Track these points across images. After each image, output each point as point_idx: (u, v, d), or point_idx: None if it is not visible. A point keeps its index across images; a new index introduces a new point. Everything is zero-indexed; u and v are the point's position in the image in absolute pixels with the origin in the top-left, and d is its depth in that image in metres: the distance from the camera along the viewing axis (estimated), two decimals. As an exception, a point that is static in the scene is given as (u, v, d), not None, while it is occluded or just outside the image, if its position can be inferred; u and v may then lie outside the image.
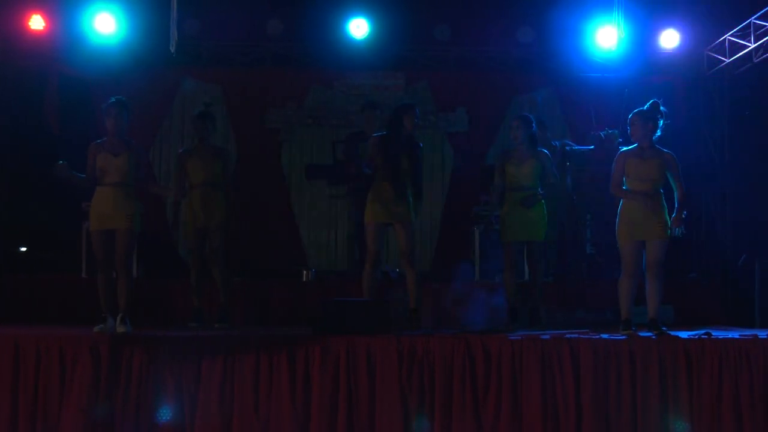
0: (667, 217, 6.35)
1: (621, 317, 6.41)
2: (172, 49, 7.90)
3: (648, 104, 6.47)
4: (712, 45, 9.13)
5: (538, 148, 7.04)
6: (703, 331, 6.34)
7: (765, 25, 8.24)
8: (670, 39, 9.17)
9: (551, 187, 7.02)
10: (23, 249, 8.88)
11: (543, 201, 6.96)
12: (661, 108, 6.44)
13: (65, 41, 8.80)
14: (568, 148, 8.57)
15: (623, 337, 6.13)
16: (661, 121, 6.42)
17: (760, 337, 6.07)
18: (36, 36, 8.70)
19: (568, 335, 6.13)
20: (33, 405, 5.77)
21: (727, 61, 8.93)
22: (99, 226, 6.27)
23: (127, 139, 6.44)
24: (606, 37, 9.02)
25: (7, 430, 5.76)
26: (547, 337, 6.03)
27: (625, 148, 6.51)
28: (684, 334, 6.23)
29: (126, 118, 6.40)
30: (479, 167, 9.35)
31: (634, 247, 6.34)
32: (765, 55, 8.41)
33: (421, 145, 6.91)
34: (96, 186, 6.33)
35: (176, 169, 7.28)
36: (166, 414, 5.76)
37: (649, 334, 6.22)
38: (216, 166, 7.08)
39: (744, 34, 8.60)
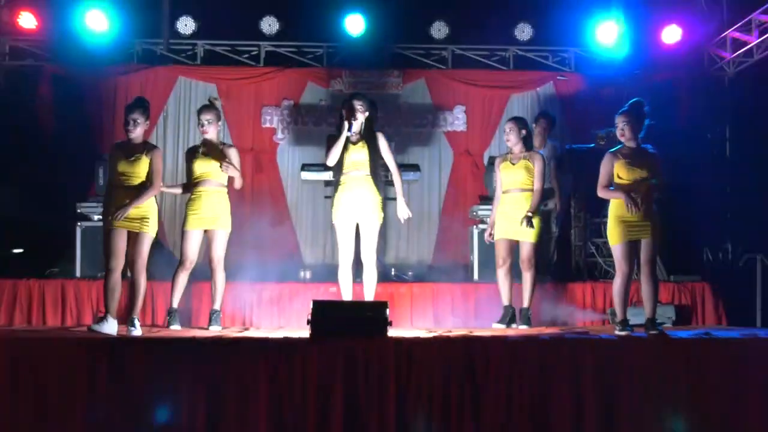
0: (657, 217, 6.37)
1: (617, 317, 6.42)
2: (165, 47, 7.91)
3: (631, 102, 6.45)
4: (714, 41, 9.15)
5: (533, 150, 7.09)
6: (703, 331, 6.37)
7: (767, 21, 8.23)
8: (671, 35, 9.20)
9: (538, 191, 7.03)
10: (18, 251, 8.87)
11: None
12: (645, 108, 6.43)
13: (57, 39, 8.82)
14: (567, 146, 8.58)
15: (621, 337, 6.15)
16: (647, 121, 6.41)
17: (760, 336, 6.08)
18: (27, 34, 8.74)
19: (567, 336, 6.14)
20: (33, 408, 5.65)
21: (729, 57, 8.95)
22: (116, 225, 6.32)
23: (144, 141, 6.50)
24: (606, 34, 9.03)
25: (9, 432, 5.81)
26: (546, 337, 6.02)
27: (612, 150, 6.51)
28: (684, 334, 6.24)
29: (145, 120, 6.46)
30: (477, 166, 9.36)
31: (628, 247, 6.35)
32: (767, 51, 8.41)
33: (381, 134, 6.87)
34: (114, 188, 6.39)
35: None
36: (164, 416, 5.67)
37: (647, 334, 6.23)
38: (220, 165, 6.86)
39: (746, 30, 8.63)
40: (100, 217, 6.80)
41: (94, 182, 8.21)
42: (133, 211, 6.32)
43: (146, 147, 6.48)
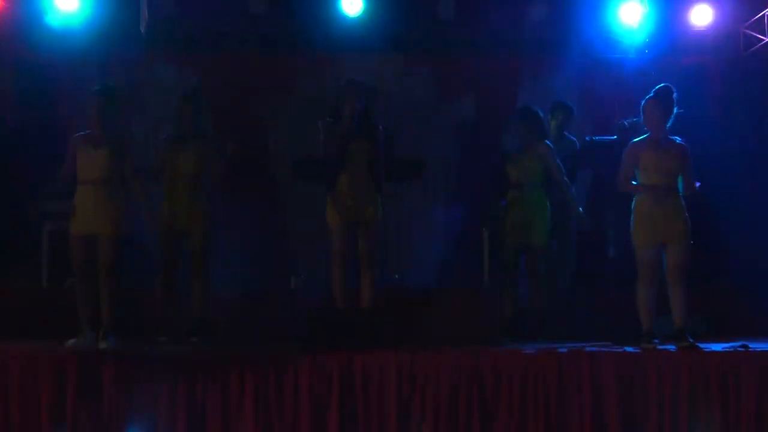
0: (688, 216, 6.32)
1: (643, 328, 6.37)
2: (143, 30, 7.88)
3: (659, 88, 6.43)
4: (749, 22, 9.12)
5: (542, 140, 7.06)
6: (739, 343, 6.35)
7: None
8: (701, 15, 9.16)
9: (558, 184, 7.01)
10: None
11: (548, 203, 6.96)
12: (674, 95, 6.41)
13: (22, 21, 8.79)
14: (587, 138, 8.53)
15: (647, 350, 6.13)
16: (675, 109, 6.39)
17: (803, 349, 6.01)
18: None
19: (587, 348, 6.11)
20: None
21: (767, 39, 8.94)
22: (79, 230, 6.25)
23: (112, 131, 6.43)
24: (630, 14, 9.01)
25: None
26: (565, 350, 6.01)
27: (636, 139, 6.51)
28: (718, 347, 6.19)
29: (111, 108, 6.40)
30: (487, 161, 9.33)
31: (654, 251, 6.30)
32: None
33: (381, 127, 6.85)
34: (77, 185, 6.33)
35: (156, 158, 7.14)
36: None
37: (677, 346, 6.19)
38: (202, 158, 6.87)
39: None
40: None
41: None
42: (98, 210, 6.26)
43: (114, 137, 6.41)
